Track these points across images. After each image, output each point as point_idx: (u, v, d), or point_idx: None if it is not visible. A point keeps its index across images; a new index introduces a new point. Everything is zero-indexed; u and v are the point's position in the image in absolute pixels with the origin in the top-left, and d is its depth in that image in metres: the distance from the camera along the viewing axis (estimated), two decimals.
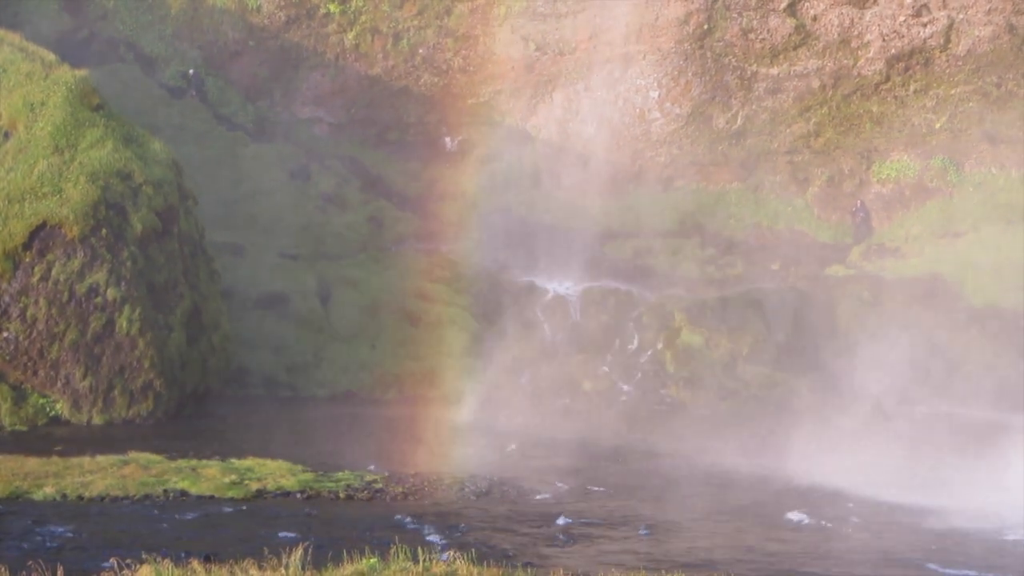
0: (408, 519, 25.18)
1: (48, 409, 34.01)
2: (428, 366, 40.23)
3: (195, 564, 18.43)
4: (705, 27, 47.70)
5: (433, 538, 21.46)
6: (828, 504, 28.00)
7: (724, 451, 33.04)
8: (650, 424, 37.43)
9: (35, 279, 34.16)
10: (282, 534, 23.11)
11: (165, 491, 26.64)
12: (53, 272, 34.23)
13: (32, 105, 36.91)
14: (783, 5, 47.31)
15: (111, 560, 19.22)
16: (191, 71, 48.20)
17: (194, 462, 29.04)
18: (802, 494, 28.93)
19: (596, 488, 29.29)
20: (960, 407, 38.34)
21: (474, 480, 28.95)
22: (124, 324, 34.49)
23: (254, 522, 24.62)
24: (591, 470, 31.19)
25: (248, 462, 29.20)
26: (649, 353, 41.92)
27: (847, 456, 31.57)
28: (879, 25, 47.02)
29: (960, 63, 46.67)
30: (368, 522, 24.68)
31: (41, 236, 34.47)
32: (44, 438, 31.87)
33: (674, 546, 24.02)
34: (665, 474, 30.94)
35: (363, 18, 49.89)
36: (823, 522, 26.48)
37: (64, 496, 25.78)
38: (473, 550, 19.82)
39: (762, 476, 30.74)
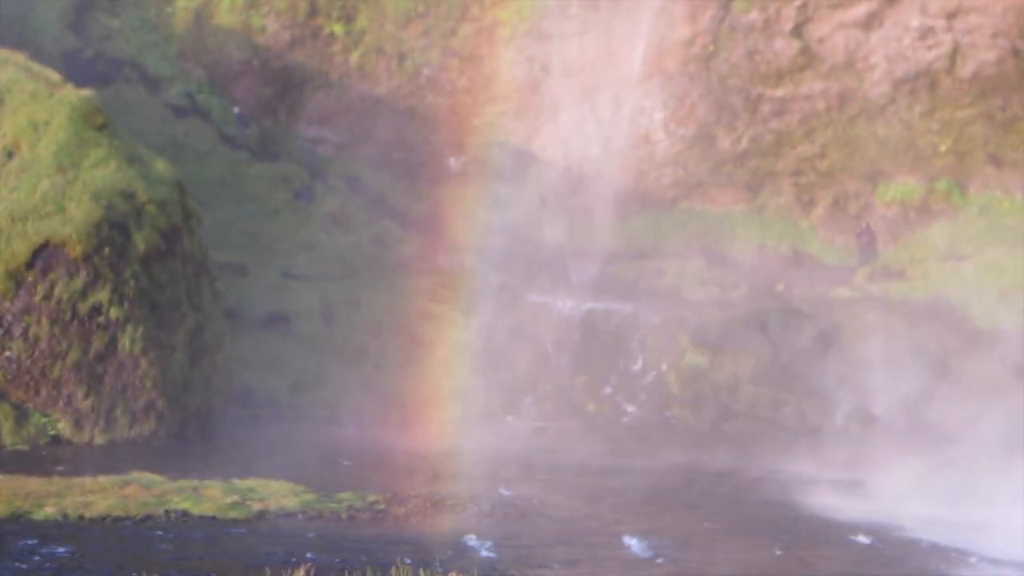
0: (410, 539, 25.07)
1: (50, 429, 33.90)
2: (432, 387, 40.13)
3: None
4: (710, 49, 47.70)
5: (435, 558, 21.33)
6: None
7: None
8: (655, 445, 37.33)
9: (37, 298, 34.09)
10: (285, 554, 22.98)
11: (167, 512, 26.50)
12: (56, 291, 34.16)
13: (36, 124, 36.88)
14: (789, 27, 47.31)
15: None
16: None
17: (196, 483, 28.88)
18: None
19: (599, 508, 29.16)
20: (964, 429, 38.19)
21: (477, 501, 28.84)
22: (127, 343, 34.41)
23: (256, 542, 24.50)
24: (593, 491, 31.06)
25: (250, 483, 29.06)
26: (653, 374, 41.84)
27: None
28: (884, 48, 47.02)
29: (965, 86, 46.66)
30: (370, 542, 24.57)
31: (44, 255, 34.40)
32: (46, 458, 31.75)
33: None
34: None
35: (368, 38, 49.93)
36: None
37: (65, 516, 25.64)
38: (475, 571, 19.73)
39: None
